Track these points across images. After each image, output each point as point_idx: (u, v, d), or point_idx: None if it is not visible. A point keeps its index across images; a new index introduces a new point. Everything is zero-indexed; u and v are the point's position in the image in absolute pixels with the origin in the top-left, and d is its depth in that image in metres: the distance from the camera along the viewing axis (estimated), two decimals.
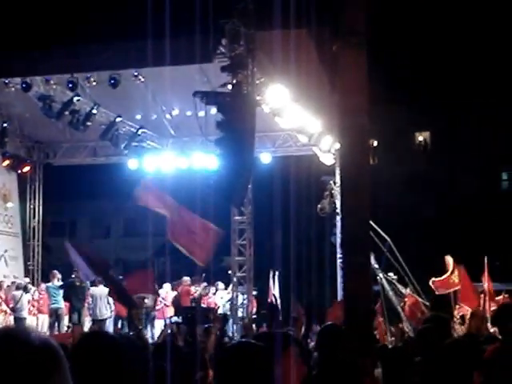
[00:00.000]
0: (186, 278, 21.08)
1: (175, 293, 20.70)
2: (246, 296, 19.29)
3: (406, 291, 20.39)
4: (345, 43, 8.29)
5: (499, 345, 6.45)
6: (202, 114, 16.99)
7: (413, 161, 50.55)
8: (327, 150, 20.71)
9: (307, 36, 17.65)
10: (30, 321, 19.11)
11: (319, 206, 21.54)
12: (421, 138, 52.46)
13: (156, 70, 15.61)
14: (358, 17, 8.50)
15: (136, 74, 16.49)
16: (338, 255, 19.16)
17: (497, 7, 42.25)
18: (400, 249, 21.78)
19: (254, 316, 20.41)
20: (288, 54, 15.52)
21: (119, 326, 20.10)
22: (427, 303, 19.54)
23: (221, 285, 21.03)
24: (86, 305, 19.75)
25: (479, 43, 44.99)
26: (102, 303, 19.60)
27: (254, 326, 19.51)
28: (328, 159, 21.17)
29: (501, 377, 6.14)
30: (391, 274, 21.47)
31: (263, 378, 3.78)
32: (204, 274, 20.23)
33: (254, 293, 19.96)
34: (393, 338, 17.78)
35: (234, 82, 14.48)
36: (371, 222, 14.35)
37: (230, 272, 20.18)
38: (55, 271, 19.68)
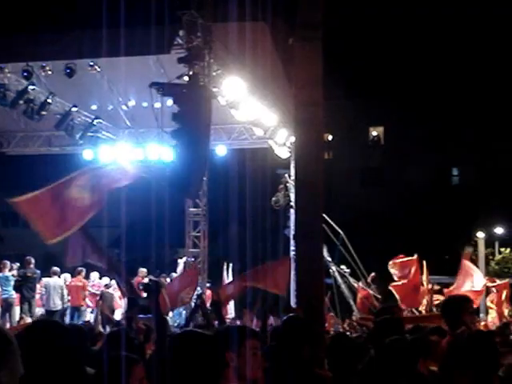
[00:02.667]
0: (142, 269, 21.08)
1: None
2: (200, 288, 19.30)
3: (359, 284, 20.61)
4: (301, 37, 8.36)
5: (452, 338, 6.58)
6: (158, 105, 16.97)
7: (366, 155, 51.04)
8: (282, 143, 20.83)
9: (264, 29, 17.72)
10: None
11: (273, 198, 21.67)
12: (374, 133, 52.91)
13: (112, 60, 15.52)
14: (314, 11, 8.58)
15: (92, 63, 16.37)
16: (292, 248, 19.28)
17: (446, 4, 42.79)
18: (353, 242, 21.98)
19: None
20: (245, 46, 15.57)
21: (75, 317, 20.00)
22: (379, 296, 19.77)
23: (175, 276, 21.03)
24: (38, 295, 19.62)
25: (432, 40, 45.47)
26: (56, 294, 19.48)
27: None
28: (283, 152, 21.29)
29: (455, 369, 6.27)
30: (344, 267, 21.69)
31: (207, 366, 3.83)
32: (158, 271, 20.26)
33: (208, 285, 19.98)
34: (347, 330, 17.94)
35: (191, 73, 14.48)
36: (325, 216, 14.48)
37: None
38: (6, 261, 19.49)
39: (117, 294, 19.46)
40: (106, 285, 20.48)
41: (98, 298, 20.03)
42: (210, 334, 4.23)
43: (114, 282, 19.29)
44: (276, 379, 5.52)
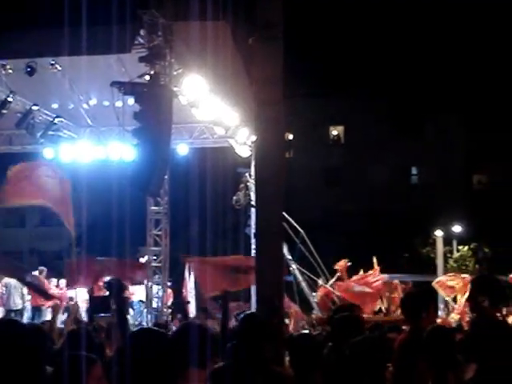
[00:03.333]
0: None
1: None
2: (161, 286, 19.34)
3: (319, 282, 20.77)
4: (261, 36, 8.47)
5: (407, 335, 6.65)
6: (119, 104, 16.97)
7: (327, 155, 51.34)
8: (243, 142, 20.93)
9: (225, 28, 17.80)
10: None
11: (234, 198, 21.74)
12: (335, 133, 53.24)
13: (73, 58, 15.48)
14: (275, 10, 8.69)
15: (53, 62, 16.32)
16: (253, 246, 19.40)
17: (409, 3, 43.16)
18: (313, 241, 22.14)
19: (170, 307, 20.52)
20: (205, 45, 15.65)
21: (35, 317, 19.90)
22: (339, 294, 19.94)
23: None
24: None
25: (391, 39, 45.85)
26: (16, 293, 19.38)
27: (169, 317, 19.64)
28: (244, 151, 21.38)
29: (410, 365, 6.39)
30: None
31: (162, 365, 3.89)
32: None
33: (169, 283, 20.02)
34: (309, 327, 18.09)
35: (152, 72, 14.52)
36: (285, 214, 14.60)
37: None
38: None
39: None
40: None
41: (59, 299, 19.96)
42: (165, 332, 4.29)
43: None
44: (235, 377, 5.60)
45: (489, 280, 6.69)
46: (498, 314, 6.52)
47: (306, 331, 11.42)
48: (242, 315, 6.33)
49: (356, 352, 5.64)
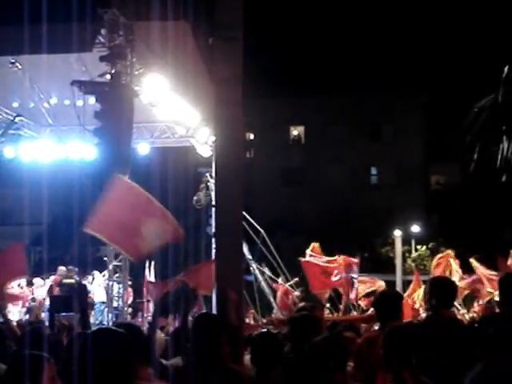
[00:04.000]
0: (61, 268, 20.93)
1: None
2: (121, 285, 19.31)
3: (278, 281, 20.90)
4: (221, 36, 8.53)
5: (375, 333, 6.77)
6: (80, 103, 16.92)
7: (287, 155, 51.57)
8: (204, 141, 20.96)
9: (186, 28, 17.82)
10: None
11: (195, 198, 21.77)
12: (295, 133, 53.48)
13: (34, 57, 15.42)
14: (235, 10, 8.75)
15: (13, 61, 16.23)
16: (214, 245, 19.45)
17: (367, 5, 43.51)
18: (273, 241, 22.27)
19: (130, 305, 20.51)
20: (167, 45, 15.68)
21: None
22: (299, 293, 20.07)
23: (97, 274, 20.99)
24: None
25: (354, 40, 46.18)
26: None
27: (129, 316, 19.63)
28: (205, 151, 21.41)
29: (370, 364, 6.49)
30: (266, 269, 21.97)
31: (118, 363, 3.93)
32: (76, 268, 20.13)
33: (130, 282, 20.00)
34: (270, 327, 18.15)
35: (113, 71, 14.52)
36: (245, 214, 14.68)
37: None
38: None
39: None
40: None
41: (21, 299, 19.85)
42: (122, 331, 4.34)
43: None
44: (193, 376, 5.66)
45: (439, 281, 6.86)
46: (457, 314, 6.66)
47: (265, 330, 11.51)
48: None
49: (315, 352, 5.73)
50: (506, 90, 5.50)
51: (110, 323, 17.48)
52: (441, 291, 6.59)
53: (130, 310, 20.28)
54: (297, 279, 21.25)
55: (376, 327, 7.96)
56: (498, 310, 15.74)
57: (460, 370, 4.39)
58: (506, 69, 5.48)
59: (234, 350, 7.36)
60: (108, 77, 14.50)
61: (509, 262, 18.17)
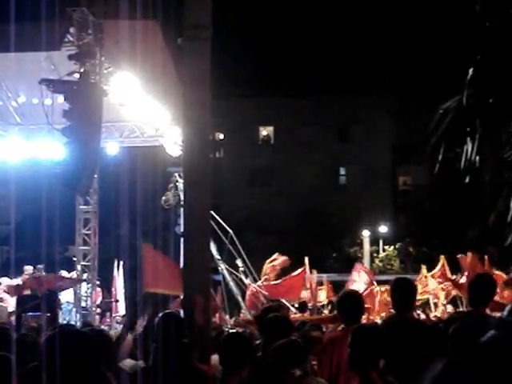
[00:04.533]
0: (28, 268, 20.78)
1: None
2: (90, 285, 19.26)
3: (247, 281, 20.93)
4: (189, 36, 8.56)
5: (339, 333, 6.81)
6: (48, 101, 16.82)
7: (256, 155, 51.63)
8: (174, 141, 20.92)
9: (155, 27, 17.78)
10: None
11: (164, 197, 21.71)
12: (264, 133, 53.57)
13: (2, 56, 15.30)
14: (203, 11, 8.79)
15: None
16: (182, 245, 19.44)
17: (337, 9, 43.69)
18: (242, 240, 22.30)
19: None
20: (136, 44, 15.62)
21: None
22: (266, 293, 20.14)
23: (64, 273, 20.87)
24: None
25: (323, 41, 46.36)
26: None
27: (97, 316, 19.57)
28: (175, 151, 21.37)
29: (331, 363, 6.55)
30: (239, 263, 21.97)
31: (80, 363, 3.94)
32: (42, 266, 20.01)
33: (98, 282, 19.94)
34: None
35: (82, 70, 14.45)
36: (214, 214, 14.67)
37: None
38: None
39: None
40: None
41: None
42: (86, 332, 4.33)
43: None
44: (157, 377, 5.68)
45: (399, 283, 6.94)
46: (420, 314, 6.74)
47: (234, 330, 11.54)
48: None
49: (275, 355, 5.76)
50: (469, 93, 5.59)
51: (78, 323, 17.43)
52: (401, 293, 6.68)
53: (98, 310, 20.21)
54: (266, 277, 21.30)
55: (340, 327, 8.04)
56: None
57: (424, 371, 4.45)
58: (470, 71, 5.58)
59: (201, 350, 7.39)
60: (77, 75, 14.42)
61: (468, 260, 18.39)
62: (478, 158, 6.13)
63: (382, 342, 5.39)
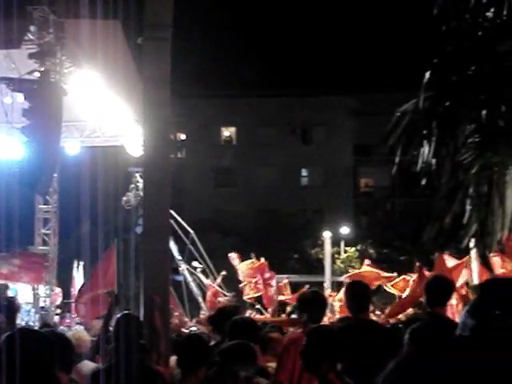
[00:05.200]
0: None
1: None
2: (48, 286, 19.10)
3: (208, 282, 20.92)
4: (149, 36, 8.54)
5: (298, 334, 6.75)
6: (8, 100, 16.65)
7: (219, 155, 51.57)
8: (135, 141, 20.83)
9: (116, 26, 17.68)
10: None
11: (124, 198, 21.62)
12: (227, 134, 53.53)
13: None
14: (164, 11, 8.77)
15: None
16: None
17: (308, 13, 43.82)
18: (204, 241, 22.28)
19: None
20: (97, 43, 15.51)
21: None
22: (227, 294, 20.16)
23: None
24: None
25: (288, 43, 46.49)
26: None
27: (56, 317, 19.40)
28: (136, 151, 21.28)
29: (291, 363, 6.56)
30: (197, 264, 21.93)
31: (36, 364, 3.90)
32: None
33: (57, 283, 19.80)
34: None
35: (42, 69, 14.33)
36: (175, 215, 14.63)
37: None
38: None
39: None
40: None
41: None
42: (43, 332, 4.28)
43: None
44: (115, 378, 5.66)
45: (354, 286, 7.00)
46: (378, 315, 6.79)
47: (194, 329, 11.51)
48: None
49: (224, 356, 5.76)
50: (426, 96, 5.63)
51: (37, 324, 17.28)
52: (356, 296, 6.73)
53: (58, 310, 20.06)
54: (224, 273, 21.32)
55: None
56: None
57: (381, 372, 4.47)
58: (427, 74, 5.62)
59: (159, 351, 7.37)
60: (37, 74, 14.30)
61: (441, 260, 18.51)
62: (434, 160, 6.20)
63: (337, 343, 5.40)
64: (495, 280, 2.14)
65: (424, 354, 2.16)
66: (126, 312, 6.79)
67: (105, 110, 17.87)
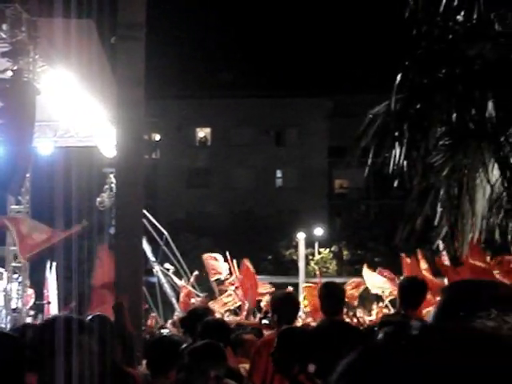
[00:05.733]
0: None
1: None
2: (21, 287, 18.96)
3: (181, 283, 20.86)
4: (123, 36, 8.51)
5: (272, 336, 6.77)
6: None
7: (193, 156, 51.45)
8: (109, 142, 20.73)
9: (90, 26, 17.58)
10: None
11: (98, 199, 21.51)
12: (202, 134, 53.40)
13: None
14: (137, 11, 8.74)
15: None
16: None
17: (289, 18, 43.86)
18: (178, 242, 22.24)
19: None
20: (71, 42, 15.41)
21: None
22: (201, 294, 20.12)
23: None
24: None
25: (261, 44, 46.49)
26: None
27: (29, 318, 19.25)
28: (109, 151, 21.17)
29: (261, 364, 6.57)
30: (168, 265, 21.86)
31: (4, 366, 3.87)
32: None
33: (28, 283, 19.64)
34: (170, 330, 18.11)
35: (15, 68, 14.23)
36: (149, 216, 14.58)
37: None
38: None
39: None
40: None
41: None
42: (14, 335, 4.25)
43: None
44: (85, 379, 5.63)
45: (326, 287, 7.00)
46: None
47: (165, 331, 11.47)
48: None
49: (192, 357, 5.75)
50: (398, 98, 5.64)
51: (9, 326, 17.14)
52: (329, 297, 6.73)
53: (31, 312, 19.90)
54: (196, 273, 21.24)
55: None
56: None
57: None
58: (398, 76, 5.63)
59: (130, 353, 7.34)
60: (9, 73, 14.19)
61: (408, 261, 18.57)
62: (405, 162, 6.23)
63: (308, 345, 5.39)
64: (459, 282, 2.16)
65: (375, 354, 2.15)
66: (97, 313, 6.76)
67: (78, 110, 17.75)
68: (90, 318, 6.45)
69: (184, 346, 7.00)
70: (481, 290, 1.85)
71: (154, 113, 37.21)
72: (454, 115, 6.20)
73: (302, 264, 32.11)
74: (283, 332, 5.67)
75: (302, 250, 33.84)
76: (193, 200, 49.00)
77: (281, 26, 45.79)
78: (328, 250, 42.14)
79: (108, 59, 17.81)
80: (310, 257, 40.63)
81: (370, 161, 6.29)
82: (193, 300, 19.52)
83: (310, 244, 39.52)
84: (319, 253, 42.12)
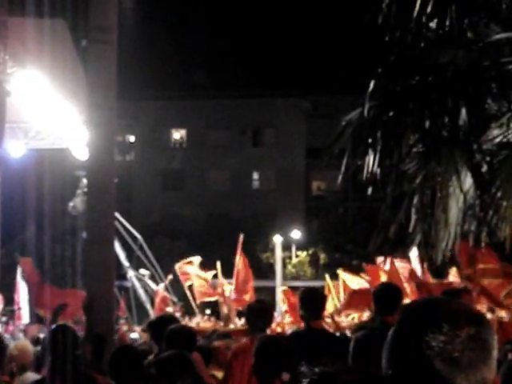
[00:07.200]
0: None
1: None
2: None
3: (156, 287, 20.69)
4: (94, 39, 8.36)
5: (245, 344, 6.77)
6: None
7: (169, 158, 51.21)
8: (81, 144, 20.47)
9: (63, 27, 17.35)
10: None
11: (71, 204, 21.28)
12: (177, 136, 53.14)
13: None
14: (109, 13, 8.59)
15: None
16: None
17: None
18: (153, 245, 22.06)
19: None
20: (43, 43, 15.20)
21: None
22: (175, 299, 19.97)
23: None
24: None
25: (238, 45, 46.44)
26: None
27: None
28: (82, 154, 20.92)
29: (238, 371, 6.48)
30: (143, 271, 21.70)
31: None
32: None
33: None
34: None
35: None
36: (123, 220, 14.37)
37: None
38: None
39: None
40: None
41: None
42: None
43: None
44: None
45: (307, 293, 6.90)
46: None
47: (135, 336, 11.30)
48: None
49: (159, 368, 5.64)
50: (371, 105, 5.56)
51: None
52: (309, 303, 6.63)
53: (2, 318, 19.61)
54: (171, 277, 21.09)
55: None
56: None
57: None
58: (371, 83, 5.55)
59: (100, 360, 7.21)
60: None
61: (388, 266, 18.56)
62: (379, 169, 6.13)
63: (287, 352, 5.34)
64: (415, 301, 2.13)
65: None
66: (61, 323, 6.65)
67: (50, 112, 17.50)
68: (52, 329, 6.36)
69: (151, 356, 6.88)
70: (436, 306, 1.89)
71: (128, 114, 36.94)
72: (427, 123, 6.11)
73: (278, 267, 32.03)
74: (262, 339, 5.59)
75: (278, 253, 33.76)
76: (168, 202, 48.77)
77: (257, 27, 45.78)
78: (305, 253, 42.08)
79: (80, 60, 17.60)
80: (287, 260, 40.56)
81: (343, 168, 6.18)
82: (169, 308, 19.34)
83: (287, 247, 39.46)
84: (296, 256, 42.05)
